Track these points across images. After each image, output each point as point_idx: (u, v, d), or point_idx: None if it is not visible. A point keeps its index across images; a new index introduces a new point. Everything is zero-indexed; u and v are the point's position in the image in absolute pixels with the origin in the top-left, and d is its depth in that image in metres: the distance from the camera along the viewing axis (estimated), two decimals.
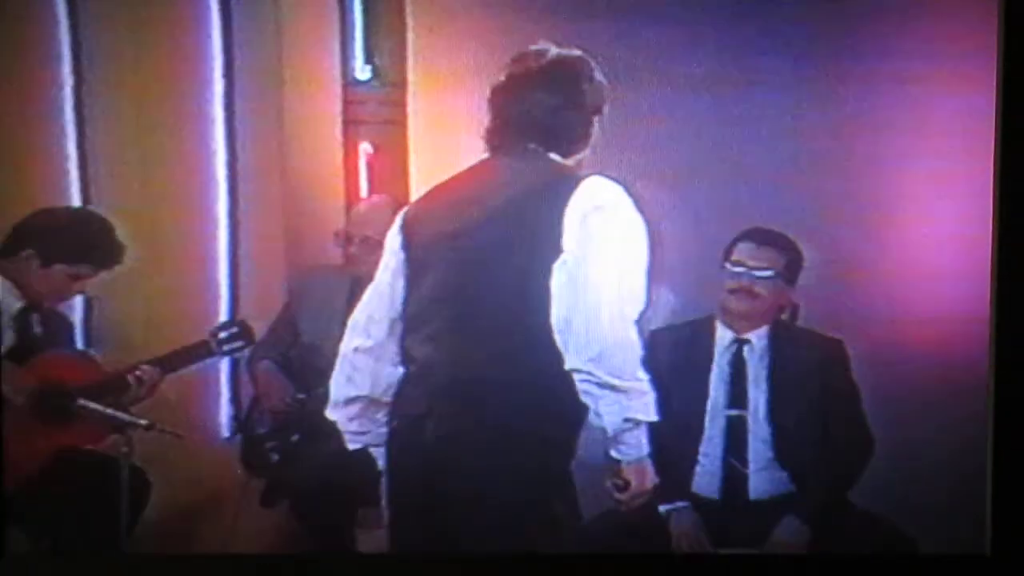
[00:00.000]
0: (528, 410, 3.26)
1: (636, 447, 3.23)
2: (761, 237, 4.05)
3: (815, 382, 4.23)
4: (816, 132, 4.46)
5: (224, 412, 4.70)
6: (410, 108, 4.95)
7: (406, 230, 3.40)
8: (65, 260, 4.27)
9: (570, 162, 3.39)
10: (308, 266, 4.69)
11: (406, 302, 3.39)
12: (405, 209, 3.52)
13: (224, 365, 4.56)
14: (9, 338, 4.22)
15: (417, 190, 4.74)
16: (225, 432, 4.69)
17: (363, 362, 3.45)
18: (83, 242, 4.31)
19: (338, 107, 4.98)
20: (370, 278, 4.00)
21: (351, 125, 4.99)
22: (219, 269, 4.75)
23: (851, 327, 4.28)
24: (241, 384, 4.64)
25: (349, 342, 3.50)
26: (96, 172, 4.70)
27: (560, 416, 3.27)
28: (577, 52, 3.46)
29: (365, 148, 5.03)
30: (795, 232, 4.16)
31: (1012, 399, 4.10)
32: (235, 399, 4.68)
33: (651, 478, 3.31)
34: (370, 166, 5.01)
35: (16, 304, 4.25)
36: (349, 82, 4.98)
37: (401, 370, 3.45)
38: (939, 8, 4.39)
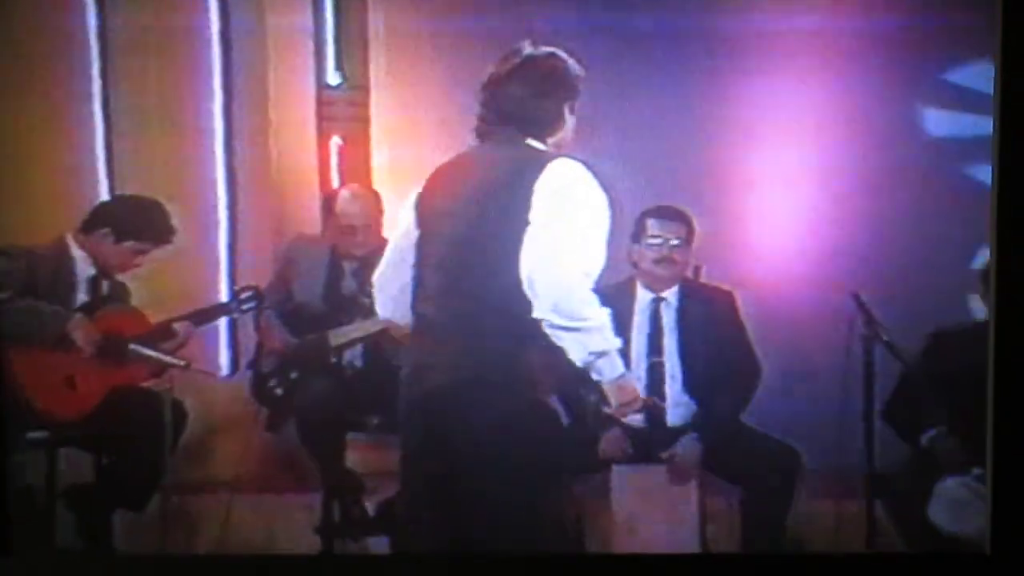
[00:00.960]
0: (512, 350, 3.52)
1: (609, 370, 3.45)
2: (666, 213, 4.73)
3: (713, 326, 4.88)
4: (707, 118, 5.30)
5: (225, 356, 5.49)
6: (373, 107, 5.71)
7: (417, 209, 3.74)
8: (133, 238, 4.84)
9: (546, 145, 3.66)
10: (294, 237, 5.39)
11: (415, 268, 3.71)
12: (418, 191, 3.79)
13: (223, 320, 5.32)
14: (81, 298, 4.79)
15: (378, 175, 5.58)
16: (225, 371, 5.46)
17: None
18: (147, 224, 4.89)
19: (313, 107, 5.72)
20: (346, 249, 4.98)
21: (324, 122, 5.74)
22: (220, 242, 5.52)
23: (739, 279, 5.03)
24: (239, 333, 5.40)
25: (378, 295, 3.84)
26: (120, 166, 5.42)
27: (536, 351, 3.54)
28: (549, 49, 3.68)
29: (336, 141, 5.80)
30: (690, 205, 4.90)
31: (1011, 399, 4.01)
32: (233, 345, 5.47)
33: (630, 392, 3.52)
34: (340, 155, 5.79)
35: (90, 271, 4.82)
36: (322, 86, 5.72)
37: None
38: None
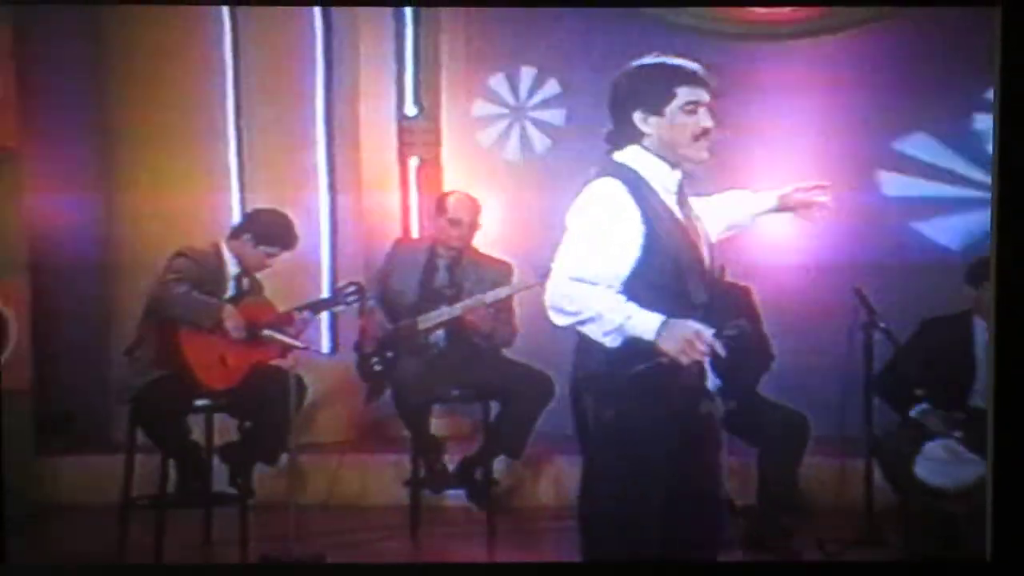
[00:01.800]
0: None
1: (642, 327, 3.31)
2: None
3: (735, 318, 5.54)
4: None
5: (326, 338, 6.28)
6: (444, 134, 6.62)
7: None
8: (268, 243, 5.43)
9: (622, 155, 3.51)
10: (395, 241, 6.10)
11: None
12: None
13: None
14: (230, 290, 5.39)
15: (448, 189, 6.32)
16: (327, 351, 6.19)
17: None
18: (280, 233, 5.48)
19: (394, 133, 6.58)
20: (447, 248, 5.62)
21: (405, 145, 6.61)
22: (321, 242, 6.29)
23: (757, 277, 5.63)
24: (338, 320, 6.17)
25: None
26: (251, 177, 6.15)
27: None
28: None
29: (414, 161, 6.66)
30: None
31: (1011, 406, 3.87)
32: (334, 330, 6.24)
33: (683, 330, 3.32)
34: (417, 172, 6.66)
35: (236, 269, 5.42)
36: (403, 116, 6.58)
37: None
38: None
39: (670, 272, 3.44)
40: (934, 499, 5.24)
